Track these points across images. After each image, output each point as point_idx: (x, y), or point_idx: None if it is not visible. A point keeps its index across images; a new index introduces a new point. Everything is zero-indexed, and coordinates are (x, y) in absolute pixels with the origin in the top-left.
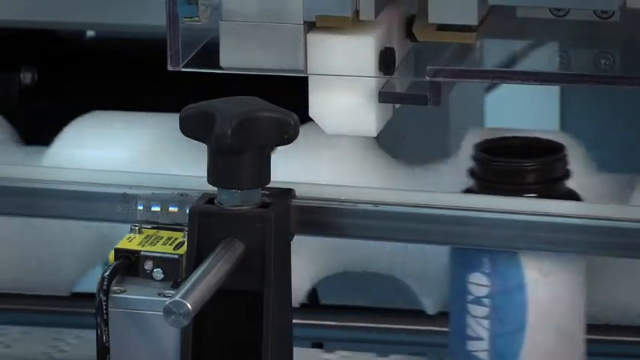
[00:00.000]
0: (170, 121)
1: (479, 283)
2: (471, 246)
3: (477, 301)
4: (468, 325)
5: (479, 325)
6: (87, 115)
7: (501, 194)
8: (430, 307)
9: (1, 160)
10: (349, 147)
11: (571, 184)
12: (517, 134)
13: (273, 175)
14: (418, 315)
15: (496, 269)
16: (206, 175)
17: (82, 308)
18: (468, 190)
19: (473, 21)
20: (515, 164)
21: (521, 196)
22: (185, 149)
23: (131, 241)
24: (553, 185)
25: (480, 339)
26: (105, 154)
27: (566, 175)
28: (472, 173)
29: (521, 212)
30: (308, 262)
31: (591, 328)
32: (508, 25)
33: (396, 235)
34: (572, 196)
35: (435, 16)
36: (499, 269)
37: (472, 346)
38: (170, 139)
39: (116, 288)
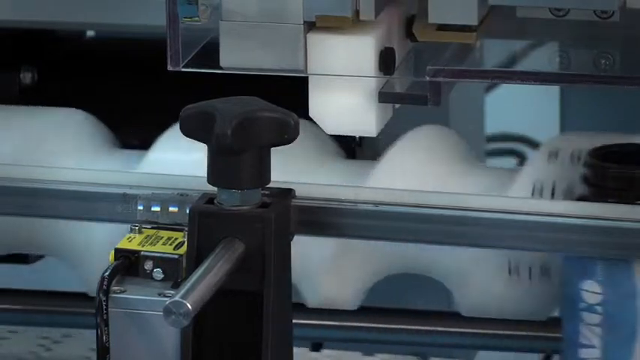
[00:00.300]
0: (47, 116)
1: (592, 290)
2: (471, 246)
3: (590, 308)
4: (581, 333)
5: (591, 332)
6: None
7: (615, 202)
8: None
9: (102, 166)
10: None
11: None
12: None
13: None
14: (418, 315)
15: (609, 277)
16: (206, 175)
17: (82, 308)
18: (581, 198)
19: (473, 21)
20: (631, 171)
21: (635, 204)
22: (60, 144)
23: (131, 241)
24: None
25: (592, 347)
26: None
27: None
28: (585, 180)
29: (521, 212)
30: (361, 266)
31: None
32: (508, 25)
33: (396, 235)
34: None
35: (435, 16)
36: (612, 277)
37: (585, 353)
38: (47, 134)
39: (116, 288)
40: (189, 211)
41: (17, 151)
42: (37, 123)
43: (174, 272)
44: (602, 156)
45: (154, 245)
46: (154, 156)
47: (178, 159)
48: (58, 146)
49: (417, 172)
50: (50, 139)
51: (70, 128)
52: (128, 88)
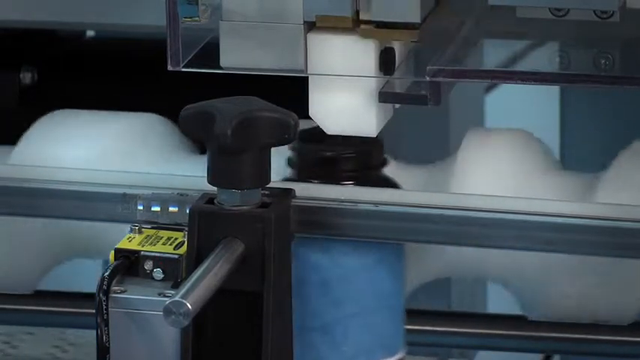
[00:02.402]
0: (129, 122)
1: None
2: (471, 246)
3: None
4: None
5: None
6: (52, 114)
7: (319, 182)
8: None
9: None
10: None
11: (536, 181)
12: None
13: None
14: (418, 315)
15: None
16: (206, 174)
17: (82, 308)
18: (286, 179)
19: (416, 19)
20: (333, 152)
21: (339, 184)
22: (137, 150)
23: (131, 241)
24: (369, 173)
25: None
26: (64, 154)
27: (382, 162)
28: (290, 162)
29: (521, 212)
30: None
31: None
32: (508, 25)
33: (396, 235)
34: (390, 183)
35: (378, 14)
36: None
37: None
38: (127, 139)
39: (116, 288)
40: (189, 211)
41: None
42: (113, 128)
43: (174, 272)
44: (309, 137)
45: (154, 245)
46: (19, 151)
47: (47, 154)
48: (134, 152)
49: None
50: (126, 145)
51: (147, 133)
52: (128, 88)
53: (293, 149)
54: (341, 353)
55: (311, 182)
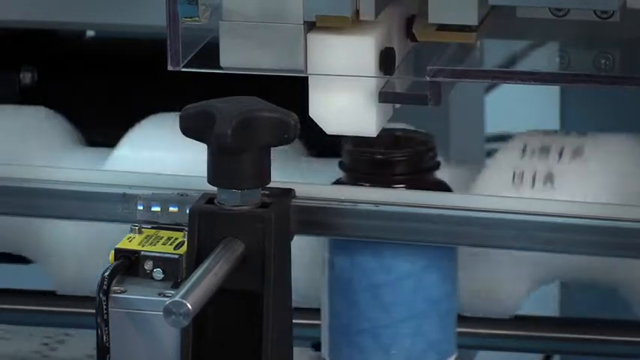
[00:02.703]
0: (13, 114)
1: None
2: (471, 246)
3: None
4: None
5: None
6: (152, 117)
7: (371, 185)
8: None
9: (67, 163)
10: None
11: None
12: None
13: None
14: None
15: None
16: (206, 174)
17: (82, 308)
18: (337, 182)
19: (473, 21)
20: (384, 156)
21: (390, 187)
22: (26, 142)
23: (131, 241)
24: (421, 176)
25: None
26: (167, 157)
27: (434, 166)
28: (341, 165)
29: (521, 212)
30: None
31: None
32: (508, 25)
33: (396, 235)
34: (442, 187)
35: (435, 17)
36: None
37: None
38: (13, 133)
39: (116, 288)
40: (190, 211)
41: None
42: (3, 122)
43: (174, 272)
44: (357, 141)
45: (154, 245)
46: (121, 153)
47: (145, 156)
48: (25, 145)
49: None
50: (17, 138)
51: (36, 126)
52: (128, 88)
53: (344, 152)
54: (390, 357)
55: (362, 185)
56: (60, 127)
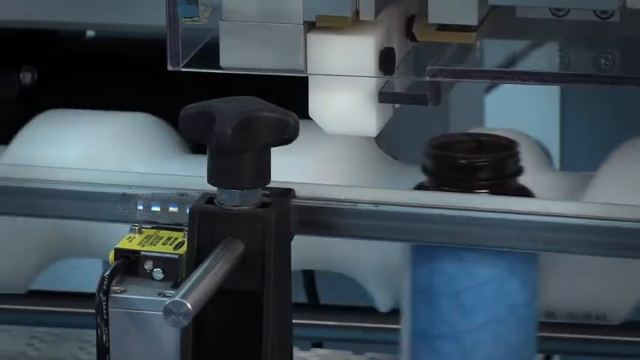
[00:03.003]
0: (121, 121)
1: None
2: (471, 246)
3: None
4: None
5: None
6: (45, 114)
7: (454, 190)
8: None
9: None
10: (348, 146)
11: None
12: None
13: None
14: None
15: None
16: (206, 174)
17: (82, 308)
18: (420, 186)
19: (473, 21)
20: (468, 161)
21: (473, 192)
22: (130, 149)
23: (131, 241)
24: (505, 182)
25: None
26: (55, 154)
27: (518, 171)
28: (424, 169)
29: (521, 212)
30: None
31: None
32: (508, 25)
33: (396, 235)
34: (525, 192)
35: (435, 16)
36: None
37: None
38: (119, 140)
39: (116, 288)
40: (190, 211)
41: (85, 157)
42: (106, 127)
43: (174, 272)
44: (440, 145)
45: (154, 245)
46: (12, 150)
47: (39, 154)
48: (128, 151)
49: None
50: (119, 144)
51: (139, 133)
52: (128, 88)
53: (427, 156)
54: None
55: (444, 190)
56: (164, 134)
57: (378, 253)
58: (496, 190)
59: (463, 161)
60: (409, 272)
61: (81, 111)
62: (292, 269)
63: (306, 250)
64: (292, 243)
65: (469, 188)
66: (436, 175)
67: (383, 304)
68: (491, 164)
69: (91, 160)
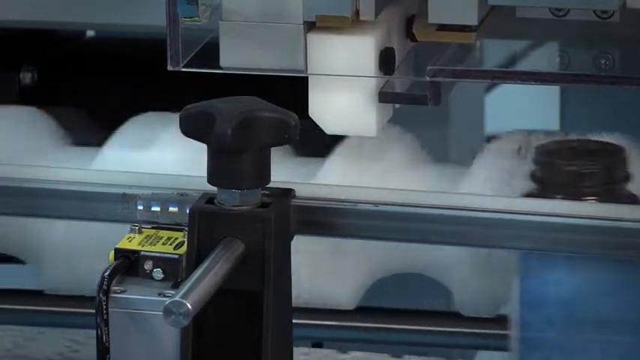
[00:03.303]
0: None
1: None
2: (471, 246)
3: None
4: None
5: None
6: (140, 117)
7: (563, 198)
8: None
9: (54, 162)
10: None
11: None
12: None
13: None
14: (418, 315)
15: None
16: (206, 174)
17: (82, 308)
18: (529, 195)
19: (473, 21)
20: (576, 167)
21: (582, 200)
22: (6, 143)
23: (131, 241)
24: (614, 188)
25: None
26: (157, 157)
27: (627, 177)
28: (533, 177)
29: (521, 212)
30: (358, 266)
31: None
32: (508, 25)
33: (396, 235)
34: (634, 199)
35: (435, 16)
36: None
37: None
38: None
39: (116, 288)
40: (190, 211)
41: None
42: None
43: (174, 272)
44: (549, 152)
45: (154, 245)
46: (109, 153)
47: (132, 156)
48: (11, 145)
49: None
50: (2, 138)
51: (22, 126)
52: (128, 88)
53: (536, 163)
54: None
55: (555, 198)
56: (48, 127)
57: (465, 255)
58: (604, 197)
59: (570, 168)
60: (518, 281)
61: None
62: (380, 275)
63: (390, 252)
64: (375, 246)
65: (577, 195)
66: (544, 182)
67: (467, 309)
68: (600, 171)
69: None
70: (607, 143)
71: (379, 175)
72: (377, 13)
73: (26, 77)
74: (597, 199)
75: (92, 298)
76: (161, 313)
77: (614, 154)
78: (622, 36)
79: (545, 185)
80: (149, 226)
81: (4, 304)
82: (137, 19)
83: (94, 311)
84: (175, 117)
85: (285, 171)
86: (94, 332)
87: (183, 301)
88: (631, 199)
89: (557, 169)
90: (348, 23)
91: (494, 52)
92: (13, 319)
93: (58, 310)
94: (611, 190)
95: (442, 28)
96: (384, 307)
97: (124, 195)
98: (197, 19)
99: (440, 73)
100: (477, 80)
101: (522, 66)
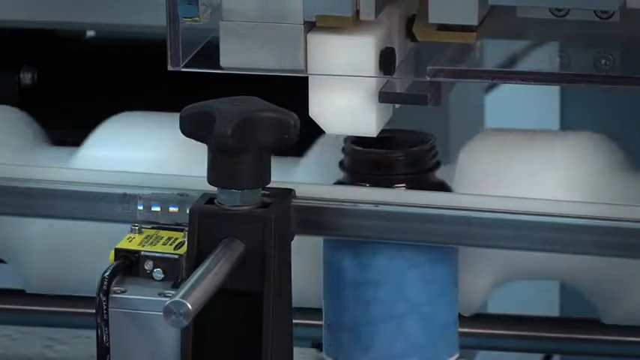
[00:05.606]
0: None
1: None
2: (471, 246)
3: None
4: None
5: None
6: (116, 117)
7: (370, 185)
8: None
9: (31, 162)
10: None
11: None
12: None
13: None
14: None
15: None
16: (206, 175)
17: (82, 308)
18: (338, 183)
19: (473, 21)
20: (377, 155)
21: (391, 187)
22: None
23: (131, 241)
24: (419, 176)
25: None
26: (135, 155)
27: (435, 166)
28: (342, 165)
29: (521, 212)
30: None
31: None
32: (508, 25)
33: (396, 235)
34: (442, 187)
35: (435, 16)
36: None
37: None
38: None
39: (116, 288)
40: (190, 211)
41: None
42: None
43: (174, 272)
44: (354, 141)
45: (154, 245)
46: (87, 152)
47: (111, 156)
48: None
49: None
50: None
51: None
52: (128, 88)
53: (344, 152)
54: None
55: (363, 186)
56: (27, 126)
57: (600, 263)
58: (412, 184)
59: (377, 156)
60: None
61: None
62: (512, 280)
63: (524, 259)
64: (506, 253)
65: (386, 183)
66: (353, 171)
67: (608, 317)
68: (407, 158)
69: None
70: (417, 133)
71: None
72: (377, 13)
73: (26, 77)
74: (405, 187)
75: (74, 297)
76: (161, 313)
77: (421, 143)
78: (622, 36)
79: (352, 173)
80: (149, 227)
81: None
82: (137, 19)
83: (76, 310)
84: (155, 116)
85: None
86: (76, 331)
87: (184, 301)
88: (439, 187)
89: (360, 157)
90: (348, 23)
91: (494, 52)
92: None
93: (40, 309)
94: (418, 179)
95: (442, 28)
96: None
97: (124, 195)
98: (197, 19)
99: (440, 73)
100: (476, 80)
101: (522, 66)
